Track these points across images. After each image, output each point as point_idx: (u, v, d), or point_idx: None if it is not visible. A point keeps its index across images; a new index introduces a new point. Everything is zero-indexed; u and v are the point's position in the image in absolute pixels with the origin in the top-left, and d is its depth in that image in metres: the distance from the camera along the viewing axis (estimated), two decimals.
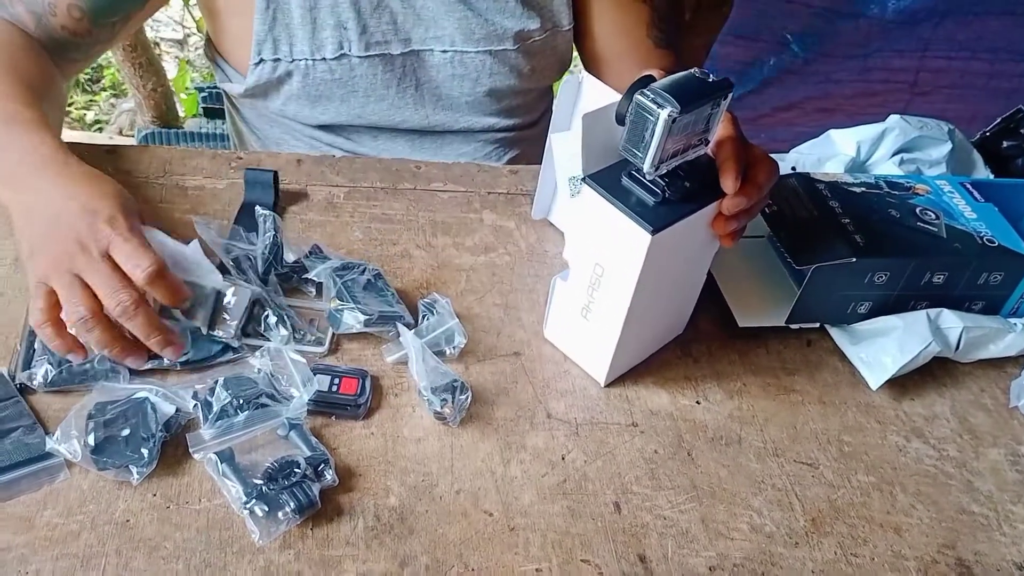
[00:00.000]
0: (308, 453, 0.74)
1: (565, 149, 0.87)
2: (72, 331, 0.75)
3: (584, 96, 0.91)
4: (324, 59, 1.03)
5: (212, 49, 1.16)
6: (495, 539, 0.72)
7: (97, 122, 2.80)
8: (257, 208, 0.89)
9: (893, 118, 1.06)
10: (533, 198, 1.03)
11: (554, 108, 0.92)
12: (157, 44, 2.94)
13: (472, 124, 1.14)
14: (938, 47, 1.65)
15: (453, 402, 0.79)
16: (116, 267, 0.74)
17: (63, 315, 0.74)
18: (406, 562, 0.70)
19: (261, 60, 1.04)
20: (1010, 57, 1.71)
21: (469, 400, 0.80)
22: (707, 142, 0.76)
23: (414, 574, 0.69)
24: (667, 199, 0.74)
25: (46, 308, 0.75)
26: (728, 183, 0.75)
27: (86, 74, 2.92)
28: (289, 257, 0.89)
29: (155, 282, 0.75)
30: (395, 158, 1.07)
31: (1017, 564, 0.76)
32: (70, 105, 2.87)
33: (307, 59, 1.03)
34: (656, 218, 0.73)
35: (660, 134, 0.70)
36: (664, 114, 0.69)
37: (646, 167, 0.73)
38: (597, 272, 0.80)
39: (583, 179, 0.77)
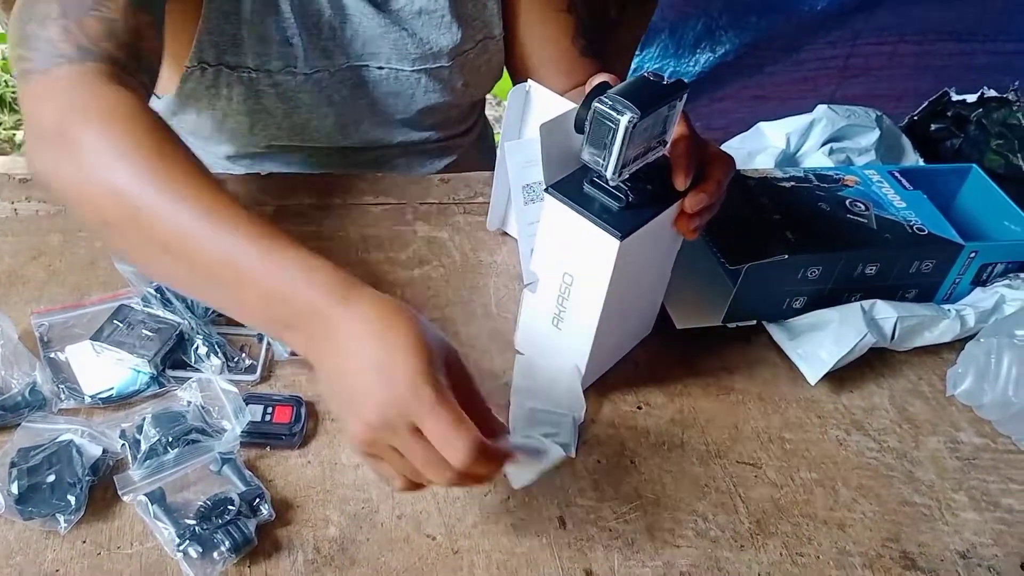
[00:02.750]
0: (242, 488, 0.72)
1: (518, 157, 0.86)
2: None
3: (533, 104, 0.90)
4: (269, 72, 0.99)
5: None
6: (439, 564, 0.71)
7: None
8: None
9: (820, 108, 1.06)
10: (466, 207, 1.02)
11: (504, 117, 0.91)
12: None
13: (408, 137, 1.12)
14: (868, 35, 1.66)
15: None
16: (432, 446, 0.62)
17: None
18: None
19: (201, 65, 0.97)
20: (938, 37, 1.72)
21: None
22: (665, 143, 0.75)
23: None
24: (631, 203, 0.74)
25: (395, 474, 0.65)
26: (679, 180, 0.75)
27: (13, 93, 2.84)
28: None
29: (479, 463, 0.62)
30: (323, 173, 1.05)
31: (960, 553, 0.76)
32: None
33: (253, 71, 0.98)
34: (623, 223, 0.73)
35: (621, 140, 0.69)
36: (625, 120, 0.68)
37: (609, 173, 0.72)
38: (567, 281, 0.79)
39: (546, 189, 0.76)
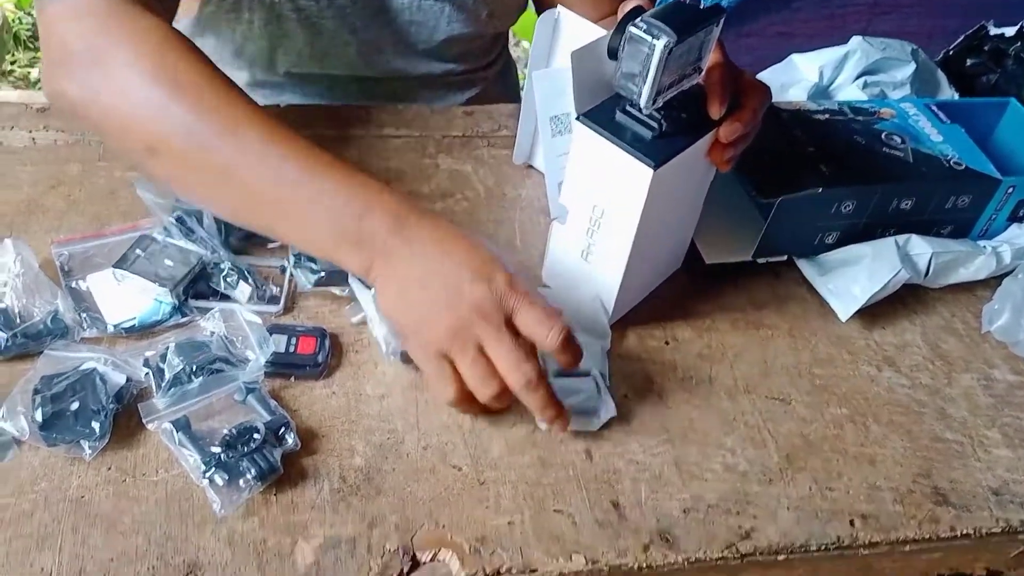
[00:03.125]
0: (267, 417, 0.71)
1: (546, 87, 0.84)
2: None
3: (562, 31, 0.87)
4: None
5: None
6: (465, 494, 0.70)
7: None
8: None
9: (855, 40, 1.03)
10: (490, 140, 1.00)
11: (532, 45, 0.88)
12: None
13: (430, 69, 1.09)
14: None
15: None
16: (518, 336, 0.68)
17: (469, 388, 0.69)
18: (375, 523, 0.68)
19: None
20: None
21: None
22: (700, 71, 0.73)
23: (383, 535, 0.67)
24: (664, 132, 0.72)
25: (459, 387, 0.69)
26: (714, 109, 0.73)
27: (27, 30, 2.81)
28: None
29: (564, 347, 0.68)
30: (344, 104, 1.03)
31: (993, 489, 0.75)
32: (12, 63, 2.77)
33: None
34: (656, 152, 0.71)
35: (657, 66, 0.67)
36: (660, 44, 0.66)
37: (643, 101, 0.69)
38: (597, 214, 0.77)
39: (577, 118, 0.74)
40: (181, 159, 0.71)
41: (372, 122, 1.00)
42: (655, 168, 0.70)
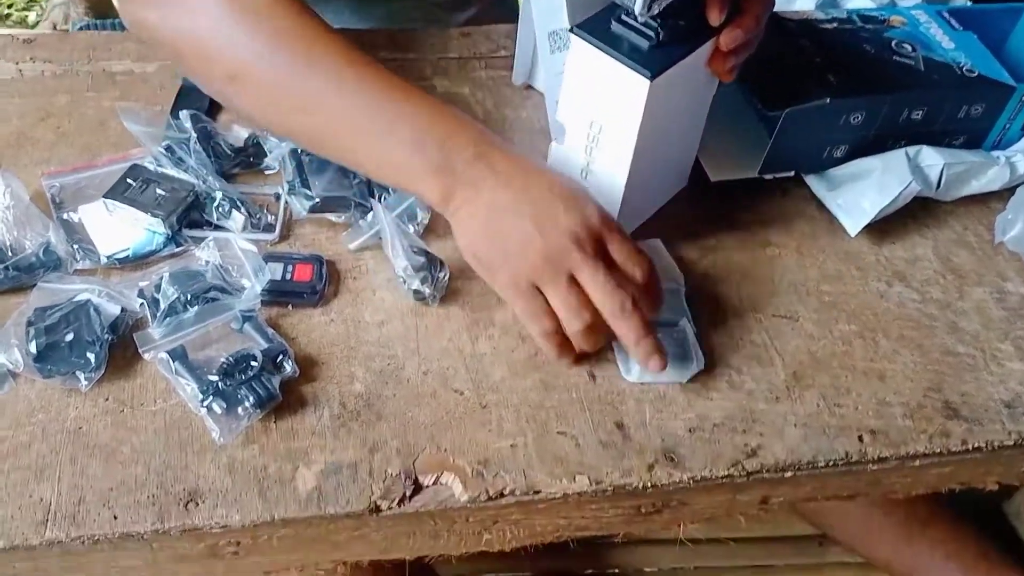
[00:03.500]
0: (265, 345, 0.70)
1: (543, 1, 0.81)
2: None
3: None
4: None
5: None
6: (467, 418, 0.70)
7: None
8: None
9: None
10: (488, 61, 0.97)
11: None
12: None
13: None
14: None
15: (433, 280, 0.75)
16: (612, 266, 0.68)
17: (562, 320, 0.68)
18: (376, 448, 0.67)
19: None
20: None
21: (448, 277, 0.76)
22: None
23: (384, 459, 0.67)
24: (662, 41, 0.69)
25: (552, 320, 0.69)
26: (713, 15, 0.70)
27: None
28: (240, 135, 0.84)
29: (650, 287, 0.69)
30: (336, 29, 1.00)
31: (1005, 402, 0.73)
32: (9, 6, 2.72)
33: None
34: (653, 62, 0.68)
35: None
36: None
37: (638, 8, 0.67)
38: (594, 130, 0.75)
39: (570, 29, 0.71)
40: (261, 87, 0.72)
41: (365, 45, 0.96)
42: (651, 78, 0.67)
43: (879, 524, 1.17)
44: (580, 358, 0.73)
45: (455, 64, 0.97)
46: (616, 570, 1.36)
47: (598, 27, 0.70)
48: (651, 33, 0.69)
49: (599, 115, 0.74)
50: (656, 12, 0.68)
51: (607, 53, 0.69)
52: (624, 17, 0.70)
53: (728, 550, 1.36)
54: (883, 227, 0.84)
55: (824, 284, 0.81)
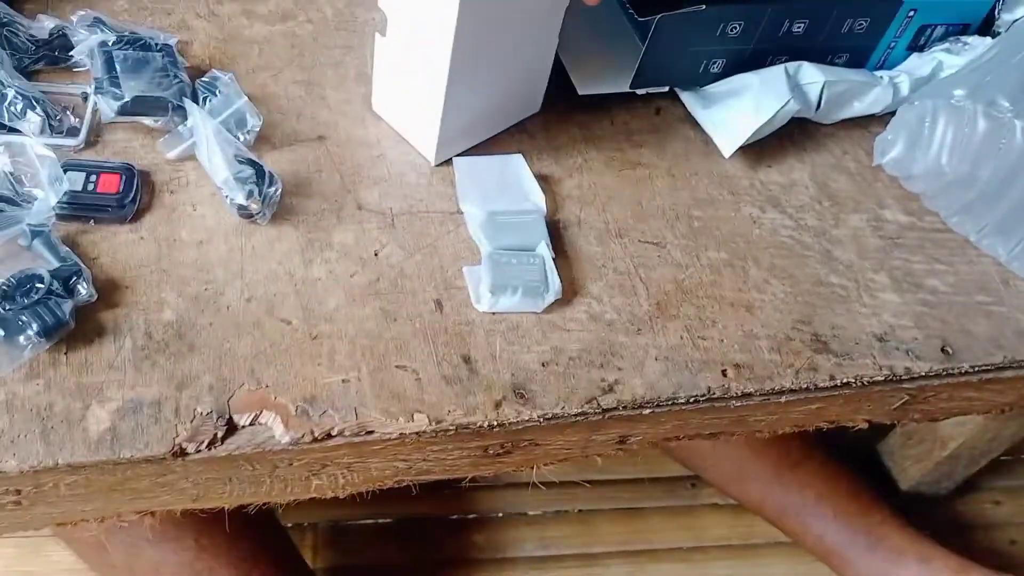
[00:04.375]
0: (55, 264, 0.61)
1: None
2: None
3: None
4: None
5: None
6: (293, 350, 0.62)
7: None
8: None
9: None
10: None
11: None
12: None
13: None
14: None
15: (260, 194, 0.67)
16: None
17: None
18: (184, 383, 0.59)
19: None
20: None
21: (280, 192, 0.68)
22: None
23: (194, 396, 0.59)
24: None
25: None
26: None
27: None
28: (46, 26, 0.73)
29: None
30: None
31: (877, 336, 0.70)
32: None
33: None
34: None
35: None
36: None
37: None
38: (413, 21, 0.67)
39: None
40: None
41: None
42: None
43: (751, 465, 1.16)
44: None
45: None
46: (475, 515, 1.31)
47: None
48: None
49: (416, 4, 0.66)
50: None
51: None
52: None
53: (597, 493, 1.32)
54: (759, 149, 0.79)
55: (695, 209, 0.75)
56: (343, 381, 0.61)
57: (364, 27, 0.83)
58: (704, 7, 0.73)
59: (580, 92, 0.78)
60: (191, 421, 0.58)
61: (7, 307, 0.58)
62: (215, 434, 0.58)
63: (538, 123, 0.79)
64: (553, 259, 0.69)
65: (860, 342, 0.69)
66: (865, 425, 0.75)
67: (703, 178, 0.78)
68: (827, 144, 0.82)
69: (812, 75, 0.78)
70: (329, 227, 0.69)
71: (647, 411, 0.64)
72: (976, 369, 0.70)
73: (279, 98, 0.76)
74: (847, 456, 1.24)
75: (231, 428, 0.59)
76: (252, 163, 0.67)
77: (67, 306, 0.59)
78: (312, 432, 0.59)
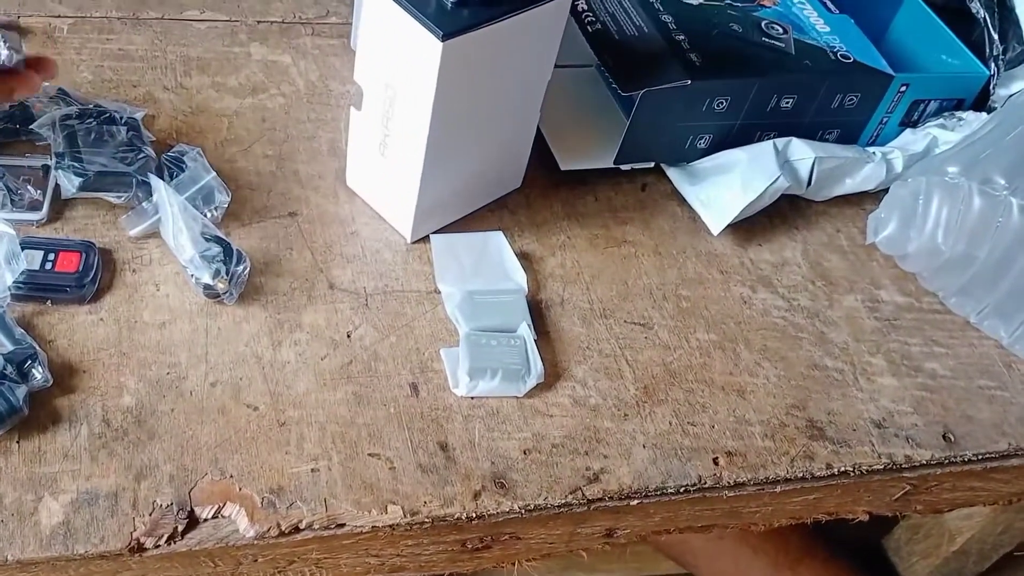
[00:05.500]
0: (10, 347, 0.63)
1: None
2: None
3: None
4: None
5: None
6: (260, 437, 0.64)
7: None
8: None
9: None
10: (315, 27, 0.92)
11: None
12: None
13: None
14: None
15: (227, 273, 0.69)
16: None
17: None
18: (144, 474, 0.60)
19: None
20: None
21: (248, 271, 0.70)
22: None
23: (154, 487, 0.60)
24: (468, 1, 0.64)
25: None
26: None
27: None
28: None
29: None
30: None
31: (875, 422, 0.72)
32: None
33: None
34: (451, 22, 0.64)
35: None
36: None
37: None
38: (389, 95, 0.70)
39: None
40: None
41: (170, 3, 0.90)
42: (443, 39, 0.63)
43: (748, 562, 1.16)
44: None
45: (276, 28, 0.91)
46: None
47: None
48: None
49: (393, 78, 0.69)
50: None
51: (400, 5, 0.64)
52: None
53: None
54: (749, 227, 0.83)
55: (683, 288, 0.78)
56: (312, 470, 0.62)
57: (338, 100, 0.86)
58: (689, 81, 0.77)
59: (563, 167, 0.81)
60: (150, 514, 0.59)
61: None
62: (175, 528, 0.59)
63: (519, 199, 0.82)
64: (535, 340, 0.71)
65: (857, 428, 0.71)
66: (866, 517, 0.77)
67: (691, 256, 0.80)
68: (819, 222, 0.85)
69: (802, 151, 0.82)
70: (299, 307, 0.71)
71: (635, 502, 0.66)
72: (980, 457, 0.72)
73: (249, 173, 0.79)
74: (850, 551, 1.24)
75: (192, 521, 0.59)
76: (219, 241, 0.69)
77: (21, 391, 0.61)
78: (279, 525, 0.60)
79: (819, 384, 0.73)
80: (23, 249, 0.68)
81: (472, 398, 0.68)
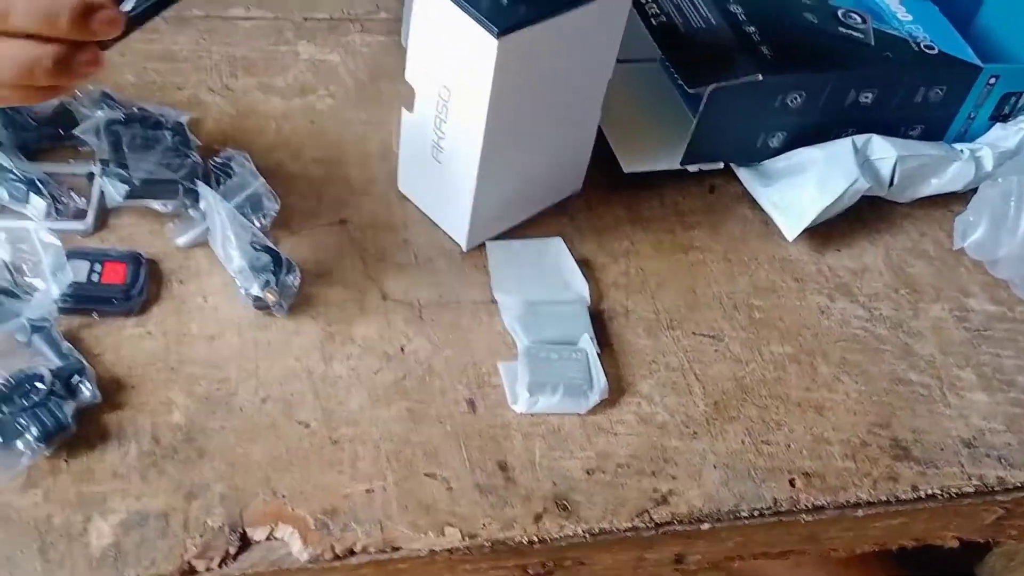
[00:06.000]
0: (57, 363, 0.65)
1: None
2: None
3: None
4: None
5: None
6: (312, 456, 0.65)
7: None
8: None
9: None
10: (364, 24, 0.94)
11: None
12: None
13: None
14: None
15: (277, 284, 0.71)
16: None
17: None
18: (194, 493, 0.62)
19: None
20: None
21: (298, 281, 0.72)
22: None
23: (205, 508, 0.62)
24: None
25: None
26: None
27: None
28: (49, 103, 0.79)
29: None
30: None
31: (964, 441, 0.72)
32: None
33: None
34: (506, 18, 0.65)
35: None
36: None
37: None
38: (443, 97, 0.71)
39: None
40: None
41: (215, 0, 0.93)
42: (499, 36, 0.64)
43: None
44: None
45: (324, 26, 0.94)
46: None
47: None
48: None
49: (447, 78, 0.70)
50: None
51: (454, 1, 0.66)
52: None
53: None
54: (826, 231, 0.83)
55: (755, 297, 0.79)
56: (367, 491, 0.64)
57: (389, 100, 0.87)
58: (760, 77, 0.77)
59: (626, 170, 0.82)
60: (201, 535, 0.60)
61: (5, 410, 0.62)
62: (227, 550, 0.60)
63: (580, 203, 0.83)
64: (598, 353, 0.72)
65: (945, 448, 0.71)
66: (955, 543, 0.76)
67: (763, 263, 0.81)
68: (902, 225, 0.86)
69: (883, 149, 0.82)
70: (351, 319, 0.73)
71: (706, 526, 0.66)
72: None
73: (297, 178, 0.81)
74: None
75: (245, 543, 0.61)
76: (269, 250, 0.71)
77: (68, 408, 0.63)
78: (333, 548, 0.61)
79: (903, 400, 0.74)
80: (69, 260, 0.70)
81: (532, 415, 0.69)
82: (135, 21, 0.61)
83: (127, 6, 0.60)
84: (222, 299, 0.72)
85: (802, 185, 0.81)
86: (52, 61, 0.58)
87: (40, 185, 0.74)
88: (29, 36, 0.57)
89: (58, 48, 0.58)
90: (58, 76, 0.59)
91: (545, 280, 0.76)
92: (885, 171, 0.82)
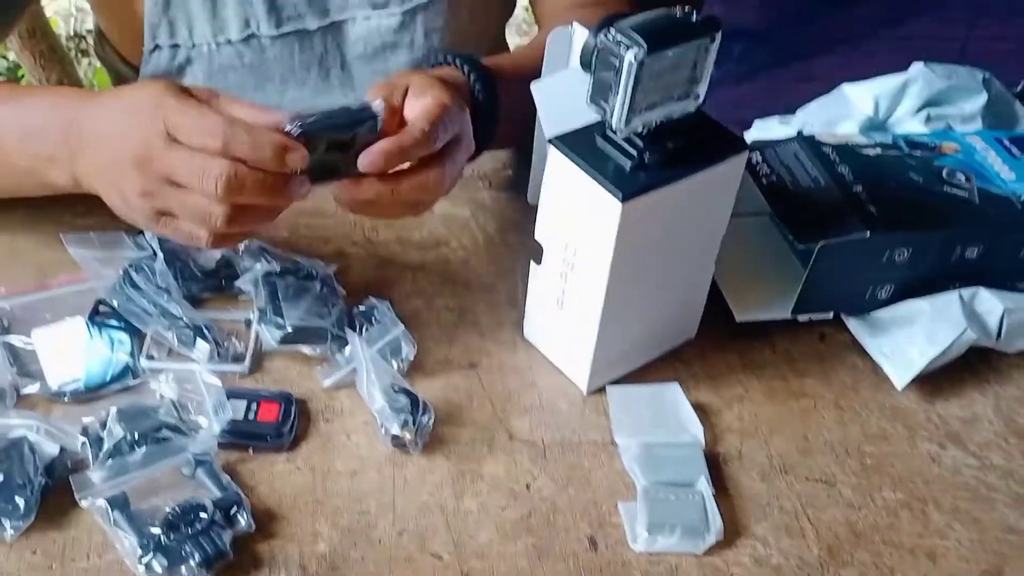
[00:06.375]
0: (218, 494, 0.71)
1: (549, 99, 0.84)
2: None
3: (576, 51, 0.86)
4: (229, 41, 1.00)
5: (103, 44, 1.14)
6: None
7: None
8: None
9: (916, 67, 1.02)
10: (492, 181, 1.01)
11: (543, 67, 0.88)
12: (81, 37, 2.91)
13: None
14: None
15: (414, 424, 0.76)
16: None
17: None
18: None
19: (156, 47, 1.01)
20: None
21: (432, 421, 0.78)
22: (697, 96, 0.73)
23: None
24: (647, 163, 0.72)
25: (192, 221, 0.71)
26: (375, 148, 0.72)
27: None
28: (212, 256, 0.88)
29: (237, 141, 0.68)
30: None
31: None
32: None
33: (209, 43, 1.01)
34: (629, 184, 0.71)
35: (627, 80, 0.67)
36: (630, 56, 0.66)
37: (615, 121, 0.70)
38: (569, 252, 0.77)
39: (550, 140, 0.74)
40: None
41: None
42: (623, 200, 0.70)
43: None
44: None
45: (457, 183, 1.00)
46: None
47: (581, 140, 0.73)
48: (633, 152, 0.71)
49: (573, 237, 0.76)
50: (641, 130, 0.71)
51: (582, 168, 0.72)
52: (609, 133, 0.72)
53: None
54: (936, 380, 0.85)
55: (867, 444, 0.81)
56: None
57: (516, 251, 0.94)
58: (868, 234, 0.81)
59: (739, 319, 0.86)
60: None
61: (172, 537, 0.68)
62: None
63: (694, 350, 0.87)
64: (713, 495, 0.75)
65: None
66: None
67: (874, 410, 0.83)
68: (1012, 375, 0.87)
69: (990, 302, 0.84)
70: (480, 457, 0.77)
71: None
72: None
73: (431, 324, 0.87)
74: None
75: None
76: (407, 392, 0.77)
77: (227, 536, 0.69)
78: None
79: (1016, 549, 0.74)
80: (228, 399, 0.77)
81: (651, 554, 0.72)
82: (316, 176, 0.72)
83: (292, 127, 0.70)
84: (363, 437, 0.78)
85: (910, 337, 0.83)
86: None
87: (205, 331, 0.81)
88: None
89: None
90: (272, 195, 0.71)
91: (663, 423, 0.80)
92: (992, 323, 0.84)
